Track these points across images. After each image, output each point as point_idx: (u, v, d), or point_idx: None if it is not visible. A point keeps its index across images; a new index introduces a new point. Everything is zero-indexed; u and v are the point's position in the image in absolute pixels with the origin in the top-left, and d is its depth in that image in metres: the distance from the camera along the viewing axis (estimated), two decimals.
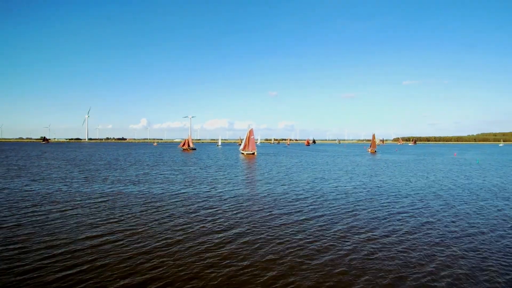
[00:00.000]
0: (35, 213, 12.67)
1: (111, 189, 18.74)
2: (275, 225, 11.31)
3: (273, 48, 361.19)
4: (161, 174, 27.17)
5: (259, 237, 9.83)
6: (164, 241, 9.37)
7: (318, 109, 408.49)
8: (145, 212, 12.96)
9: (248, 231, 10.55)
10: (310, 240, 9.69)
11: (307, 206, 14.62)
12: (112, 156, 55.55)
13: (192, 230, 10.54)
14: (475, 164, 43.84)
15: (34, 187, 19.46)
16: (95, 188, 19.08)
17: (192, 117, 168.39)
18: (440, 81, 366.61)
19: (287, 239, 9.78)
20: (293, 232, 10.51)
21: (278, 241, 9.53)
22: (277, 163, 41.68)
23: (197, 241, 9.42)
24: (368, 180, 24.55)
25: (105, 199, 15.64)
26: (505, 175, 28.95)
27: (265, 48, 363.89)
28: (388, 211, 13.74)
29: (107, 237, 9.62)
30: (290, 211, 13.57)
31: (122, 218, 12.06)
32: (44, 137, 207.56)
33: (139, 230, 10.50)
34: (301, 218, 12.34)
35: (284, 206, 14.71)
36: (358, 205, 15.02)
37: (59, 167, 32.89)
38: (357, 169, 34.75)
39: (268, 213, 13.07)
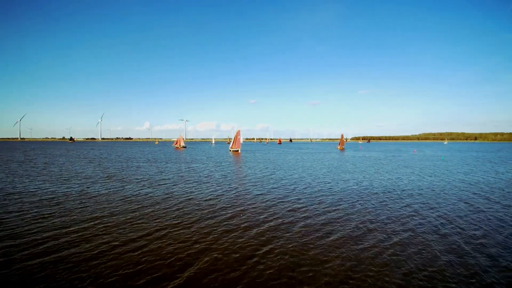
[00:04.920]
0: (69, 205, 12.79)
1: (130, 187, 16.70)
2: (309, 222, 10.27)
3: (252, 64, 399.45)
4: (176, 172, 24.98)
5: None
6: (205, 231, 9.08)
7: (289, 113, 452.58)
8: (176, 211, 11.82)
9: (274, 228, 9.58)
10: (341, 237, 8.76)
11: (344, 204, 13.27)
12: (129, 154, 55.69)
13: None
14: (444, 160, 41.74)
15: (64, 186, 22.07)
16: (125, 187, 17.39)
17: (187, 120, 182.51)
18: (387, 91, 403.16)
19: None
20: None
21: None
22: (272, 161, 37.49)
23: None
24: (372, 176, 22.72)
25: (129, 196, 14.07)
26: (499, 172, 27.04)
27: (246, 64, 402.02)
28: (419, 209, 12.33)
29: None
30: (319, 207, 12.42)
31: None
32: (71, 137, 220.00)
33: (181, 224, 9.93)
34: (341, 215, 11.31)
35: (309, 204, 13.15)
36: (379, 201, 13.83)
37: (94, 163, 37.31)
38: (346, 166, 32.22)
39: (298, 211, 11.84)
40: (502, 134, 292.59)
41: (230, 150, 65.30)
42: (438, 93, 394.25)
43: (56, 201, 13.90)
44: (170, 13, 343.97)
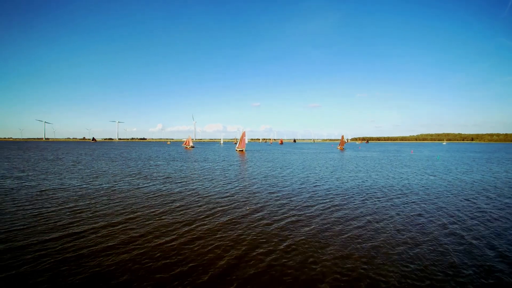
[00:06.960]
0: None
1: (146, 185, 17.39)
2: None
3: (256, 69, 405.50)
4: (192, 171, 25.29)
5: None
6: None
7: (290, 115, 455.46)
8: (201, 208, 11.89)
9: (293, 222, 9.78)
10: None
11: (356, 202, 13.28)
12: (147, 154, 55.86)
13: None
14: (440, 159, 40.87)
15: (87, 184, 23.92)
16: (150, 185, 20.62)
17: (196, 122, 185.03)
18: (384, 94, 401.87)
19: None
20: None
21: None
22: (277, 161, 36.17)
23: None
24: (375, 175, 22.60)
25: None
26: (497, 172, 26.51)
27: (250, 69, 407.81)
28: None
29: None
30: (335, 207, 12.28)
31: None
32: (93, 137, 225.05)
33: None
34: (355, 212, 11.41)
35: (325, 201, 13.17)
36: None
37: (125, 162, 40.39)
38: (347, 165, 31.84)
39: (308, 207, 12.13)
40: (498, 135, 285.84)
41: (237, 150, 66.84)
42: (434, 95, 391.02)
43: (88, 198, 14.25)
44: (181, 23, 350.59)
